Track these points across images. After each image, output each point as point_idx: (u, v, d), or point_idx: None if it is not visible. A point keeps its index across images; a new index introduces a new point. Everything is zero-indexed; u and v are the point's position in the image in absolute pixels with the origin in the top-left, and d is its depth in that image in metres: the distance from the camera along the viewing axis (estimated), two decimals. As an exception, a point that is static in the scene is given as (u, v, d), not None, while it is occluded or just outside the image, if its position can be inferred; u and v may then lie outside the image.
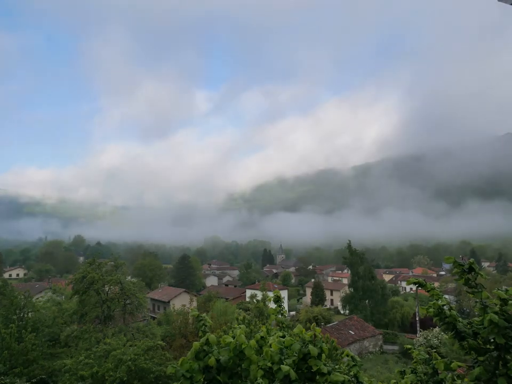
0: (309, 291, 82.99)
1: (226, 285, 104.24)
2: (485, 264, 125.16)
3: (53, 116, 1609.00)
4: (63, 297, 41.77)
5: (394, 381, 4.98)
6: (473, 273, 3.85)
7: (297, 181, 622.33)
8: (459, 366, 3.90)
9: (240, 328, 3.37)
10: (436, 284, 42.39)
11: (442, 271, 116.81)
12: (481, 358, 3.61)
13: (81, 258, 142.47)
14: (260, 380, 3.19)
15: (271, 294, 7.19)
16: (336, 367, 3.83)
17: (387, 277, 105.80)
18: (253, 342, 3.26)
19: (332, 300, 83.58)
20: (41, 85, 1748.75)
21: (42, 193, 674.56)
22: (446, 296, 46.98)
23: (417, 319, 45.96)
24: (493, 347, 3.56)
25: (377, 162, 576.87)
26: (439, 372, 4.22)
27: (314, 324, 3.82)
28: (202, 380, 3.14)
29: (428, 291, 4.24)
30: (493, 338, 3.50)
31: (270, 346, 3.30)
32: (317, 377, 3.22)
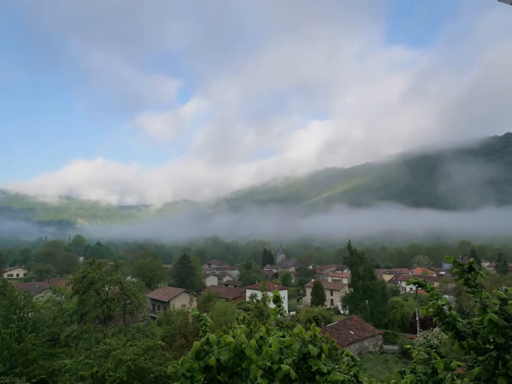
0: (309, 291, 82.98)
1: (226, 285, 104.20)
2: (485, 264, 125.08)
3: (53, 119, 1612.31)
4: (63, 297, 41.75)
5: (394, 381, 4.98)
6: (473, 273, 3.85)
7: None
8: (459, 366, 3.90)
9: (240, 328, 3.38)
10: (436, 284, 42.39)
11: (442, 271, 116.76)
12: (480, 358, 3.61)
13: (81, 258, 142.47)
14: (260, 380, 3.19)
15: (271, 294, 7.20)
16: (336, 367, 3.83)
17: (387, 277, 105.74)
18: (253, 341, 3.27)
19: (332, 300, 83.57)
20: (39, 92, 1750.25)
21: (43, 193, 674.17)
22: (446, 296, 47.08)
23: (417, 319, 45.94)
24: (492, 347, 3.56)
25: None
26: (438, 371, 4.22)
27: (314, 323, 3.83)
28: (202, 379, 3.15)
29: (428, 291, 4.25)
30: (492, 338, 3.50)
31: (270, 346, 3.30)
32: (317, 377, 3.22)
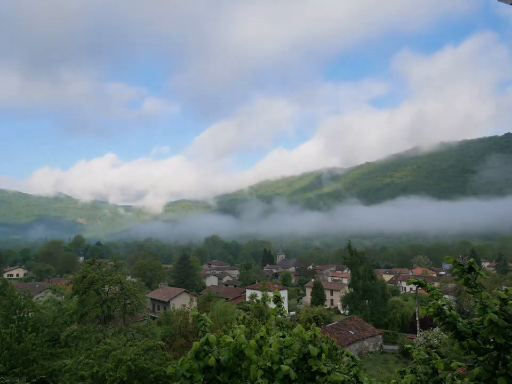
0: (309, 291, 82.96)
1: (226, 285, 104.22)
2: (485, 264, 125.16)
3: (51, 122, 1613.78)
4: (63, 297, 41.71)
5: (394, 381, 4.99)
6: (473, 273, 3.85)
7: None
8: (459, 366, 3.90)
9: (240, 328, 3.38)
10: (436, 284, 42.37)
11: (442, 271, 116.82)
12: (481, 358, 3.61)
13: (81, 258, 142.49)
14: (259, 380, 3.19)
15: (271, 294, 7.20)
16: (336, 367, 3.83)
17: (387, 277, 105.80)
18: (252, 342, 3.26)
19: (332, 300, 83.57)
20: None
21: (43, 193, 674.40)
22: (446, 296, 47.10)
23: (417, 319, 45.95)
24: (492, 347, 3.56)
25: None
26: (439, 371, 4.22)
27: (314, 323, 3.82)
28: (202, 379, 3.14)
29: (428, 291, 4.24)
30: (492, 338, 3.50)
31: (270, 346, 3.30)
32: (317, 377, 3.22)
